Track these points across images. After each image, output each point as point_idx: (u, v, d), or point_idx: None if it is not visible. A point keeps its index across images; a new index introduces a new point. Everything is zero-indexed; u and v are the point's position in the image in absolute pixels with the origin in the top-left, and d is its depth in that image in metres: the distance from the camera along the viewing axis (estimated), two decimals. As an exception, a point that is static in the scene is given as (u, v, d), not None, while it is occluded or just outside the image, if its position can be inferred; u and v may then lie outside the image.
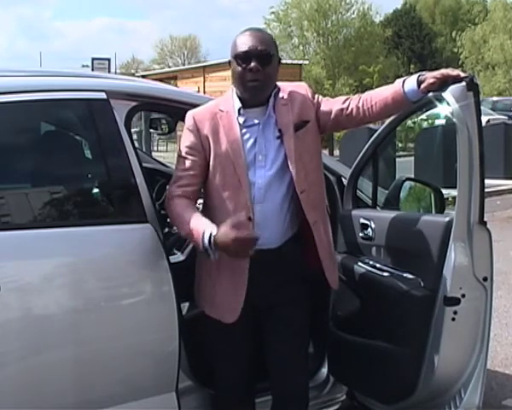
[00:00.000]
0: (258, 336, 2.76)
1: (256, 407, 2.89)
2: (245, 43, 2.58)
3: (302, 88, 2.75)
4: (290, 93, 2.69)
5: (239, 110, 2.63)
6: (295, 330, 2.73)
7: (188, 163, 2.65)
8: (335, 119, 2.70)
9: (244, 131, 2.63)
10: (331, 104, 2.72)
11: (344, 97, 2.76)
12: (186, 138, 2.67)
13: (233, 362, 2.76)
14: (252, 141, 2.63)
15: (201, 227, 2.50)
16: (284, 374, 2.73)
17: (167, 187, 3.64)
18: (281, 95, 2.67)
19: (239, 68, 2.58)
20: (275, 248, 2.65)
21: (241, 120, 2.63)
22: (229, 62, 2.64)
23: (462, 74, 2.60)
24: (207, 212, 2.67)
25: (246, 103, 2.63)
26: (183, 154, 2.66)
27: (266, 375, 2.79)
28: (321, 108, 2.71)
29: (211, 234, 2.46)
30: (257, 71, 2.55)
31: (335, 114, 2.69)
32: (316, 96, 2.75)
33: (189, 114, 2.69)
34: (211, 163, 2.63)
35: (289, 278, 2.70)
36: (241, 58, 2.57)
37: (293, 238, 2.70)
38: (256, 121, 2.64)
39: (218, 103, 2.72)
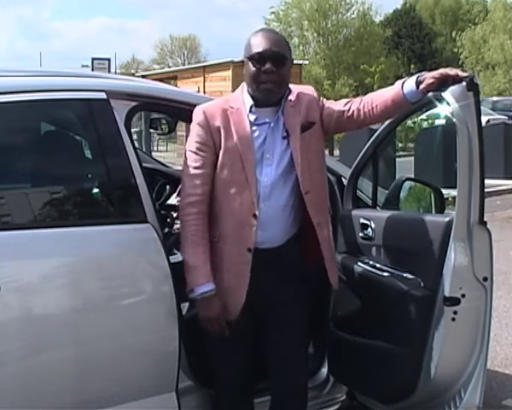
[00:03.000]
0: (259, 336, 2.76)
1: (256, 407, 2.89)
2: (260, 45, 2.59)
3: (309, 90, 2.78)
4: (298, 95, 2.71)
5: (250, 108, 2.64)
6: (295, 329, 2.73)
7: (199, 160, 2.63)
8: (337, 121, 2.72)
9: (254, 128, 2.64)
10: (333, 106, 2.74)
11: (346, 100, 2.78)
12: (196, 134, 2.66)
13: (233, 362, 2.75)
14: (261, 139, 2.64)
15: (203, 278, 2.59)
16: (283, 374, 2.73)
17: (167, 187, 3.67)
18: (289, 97, 2.69)
19: (253, 69, 2.59)
20: (276, 247, 2.66)
21: (252, 117, 2.64)
22: (239, 61, 2.64)
23: (461, 73, 2.60)
24: (212, 206, 2.67)
25: (258, 103, 2.64)
26: (194, 149, 2.65)
27: (266, 375, 2.79)
28: (324, 111, 2.73)
29: (207, 291, 2.58)
30: (271, 72, 2.57)
31: (337, 117, 2.71)
32: (321, 98, 2.77)
33: (199, 110, 2.68)
34: (219, 159, 2.63)
35: (290, 277, 2.71)
36: (256, 59, 2.58)
37: (294, 238, 2.71)
38: (267, 120, 2.65)
39: (228, 100, 2.73)
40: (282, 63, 2.60)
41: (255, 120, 2.64)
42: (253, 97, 2.64)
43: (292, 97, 2.69)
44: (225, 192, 2.62)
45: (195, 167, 2.64)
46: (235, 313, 2.63)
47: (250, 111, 2.64)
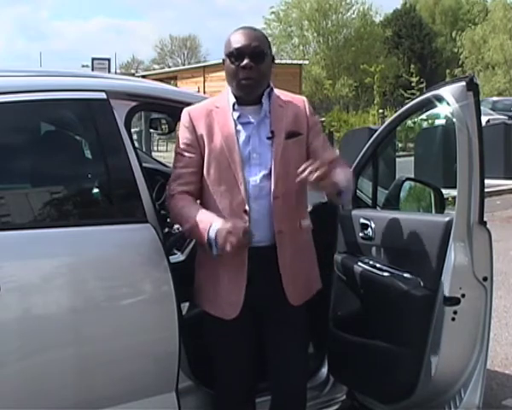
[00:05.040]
0: (259, 336, 2.76)
1: (256, 407, 2.89)
2: (238, 41, 2.59)
3: (300, 101, 2.75)
4: (287, 99, 2.71)
5: (233, 105, 2.64)
6: (295, 330, 2.73)
7: (185, 160, 2.66)
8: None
9: (239, 128, 2.64)
10: (319, 149, 2.69)
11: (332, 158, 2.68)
12: (182, 135, 2.69)
13: (233, 362, 2.75)
14: (246, 138, 2.63)
15: (209, 220, 2.51)
16: (283, 374, 2.72)
17: (167, 187, 3.67)
18: (277, 93, 2.68)
19: (232, 66, 2.59)
20: (271, 245, 2.65)
21: (236, 115, 2.65)
22: (223, 61, 2.65)
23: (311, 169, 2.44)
24: (203, 206, 2.67)
25: (240, 100, 2.65)
26: (180, 150, 2.68)
27: (266, 375, 2.79)
28: (310, 137, 2.69)
29: (215, 227, 2.47)
30: (250, 68, 2.56)
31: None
32: (313, 117, 2.73)
33: (185, 111, 2.71)
34: (205, 159, 2.64)
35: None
36: (235, 56, 2.58)
37: None
38: (251, 119, 2.65)
39: (215, 100, 2.75)
40: (261, 59, 2.59)
41: (238, 117, 2.65)
42: (235, 96, 2.65)
43: (281, 96, 2.68)
44: (215, 191, 2.63)
45: (181, 167, 2.66)
46: (235, 313, 2.63)
47: (233, 109, 2.65)
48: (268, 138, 2.62)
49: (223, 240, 2.44)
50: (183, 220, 2.62)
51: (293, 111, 2.68)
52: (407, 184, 3.32)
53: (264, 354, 2.76)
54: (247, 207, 2.58)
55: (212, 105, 2.70)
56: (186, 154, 2.66)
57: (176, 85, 20.57)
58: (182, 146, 2.67)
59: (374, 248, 3.09)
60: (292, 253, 2.65)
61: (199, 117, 2.66)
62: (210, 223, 2.50)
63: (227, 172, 2.60)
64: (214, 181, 2.63)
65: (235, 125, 2.63)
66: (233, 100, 2.65)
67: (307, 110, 2.72)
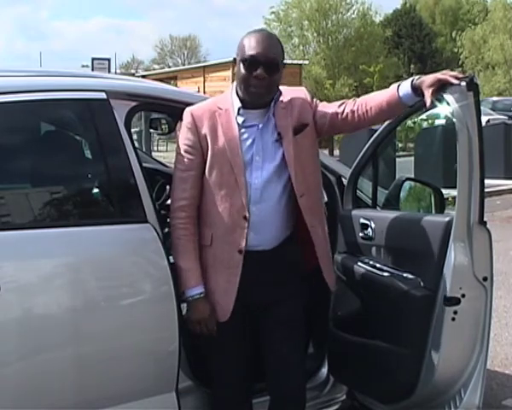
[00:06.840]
0: (257, 336, 2.75)
1: (255, 407, 2.89)
2: (254, 48, 2.55)
3: (301, 92, 2.76)
4: (289, 97, 2.69)
5: (238, 110, 2.63)
6: (291, 330, 2.72)
7: (187, 163, 2.65)
8: (331, 123, 2.70)
9: (243, 130, 2.63)
10: (327, 108, 2.72)
11: (340, 102, 2.75)
12: (184, 136, 2.67)
13: (230, 362, 2.75)
14: (250, 141, 2.63)
15: (193, 281, 2.63)
16: (280, 374, 2.72)
17: (167, 187, 3.67)
18: (280, 98, 2.67)
19: (244, 72, 2.57)
20: (270, 250, 2.65)
21: (240, 119, 2.63)
22: (235, 61, 2.63)
23: (460, 75, 2.58)
24: (203, 208, 2.67)
25: (246, 104, 2.63)
26: (183, 152, 2.66)
27: (264, 375, 2.79)
28: (317, 112, 2.71)
29: (196, 294, 2.63)
30: (262, 78, 2.54)
31: (331, 118, 2.69)
32: (314, 99, 2.75)
33: (187, 111, 2.69)
34: (208, 161, 2.63)
35: (285, 279, 2.71)
36: (249, 62, 2.55)
37: (288, 239, 2.71)
38: (256, 123, 2.63)
39: (217, 101, 2.73)
40: (275, 70, 2.57)
41: (243, 122, 2.63)
42: (241, 99, 2.63)
43: (283, 99, 2.67)
44: (216, 194, 2.62)
45: (183, 170, 2.66)
46: (227, 315, 2.63)
47: (238, 113, 2.63)
48: (276, 141, 2.62)
49: (192, 316, 2.65)
50: (175, 253, 2.69)
51: (298, 105, 2.68)
52: (407, 184, 3.31)
53: (262, 354, 2.76)
54: (246, 214, 2.59)
55: (215, 106, 2.68)
56: (188, 156, 2.65)
57: (176, 85, 20.58)
58: (183, 147, 2.66)
59: (374, 249, 3.09)
60: (325, 243, 2.77)
61: (202, 118, 2.64)
62: (192, 286, 2.62)
63: (228, 176, 2.60)
64: (215, 184, 2.62)
65: (239, 129, 2.62)
66: (238, 104, 2.63)
67: (309, 98, 2.73)
